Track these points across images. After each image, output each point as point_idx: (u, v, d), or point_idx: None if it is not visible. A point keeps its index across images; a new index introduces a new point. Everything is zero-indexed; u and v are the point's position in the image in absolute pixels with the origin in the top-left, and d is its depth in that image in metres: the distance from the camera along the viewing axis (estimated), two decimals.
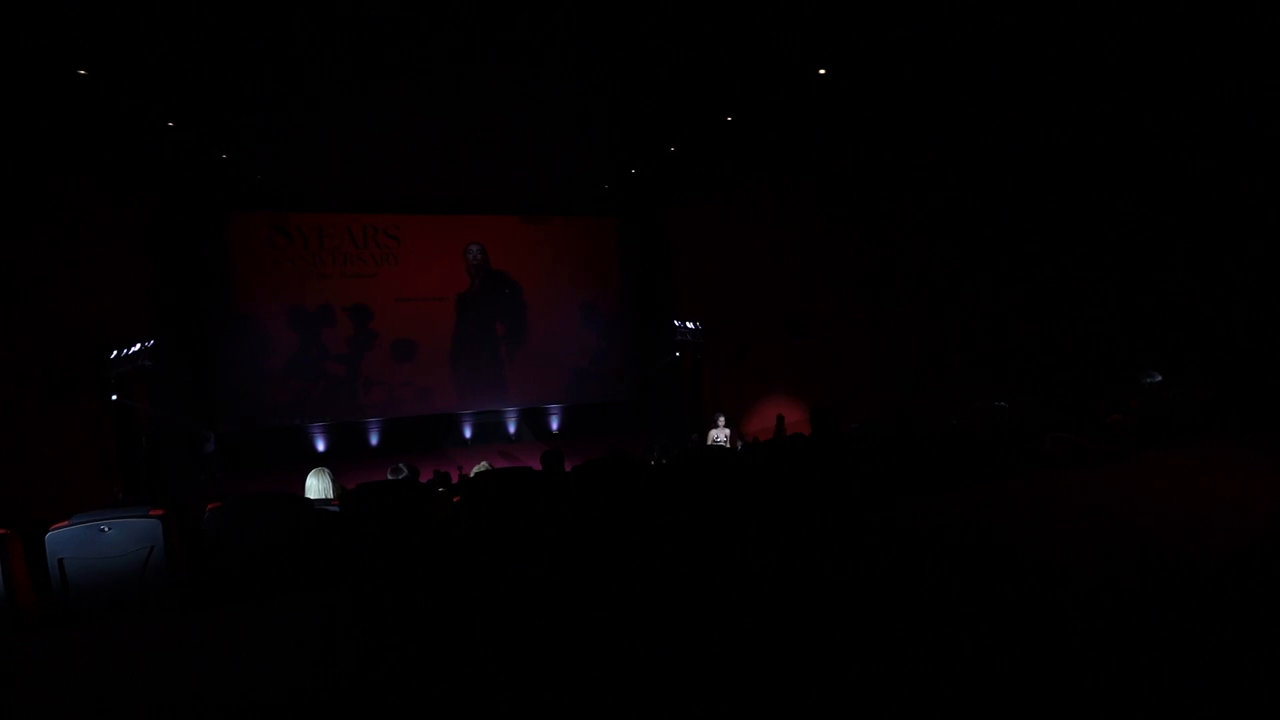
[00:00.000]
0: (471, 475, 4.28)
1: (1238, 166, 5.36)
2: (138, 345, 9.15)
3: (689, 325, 12.12)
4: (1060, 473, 4.34)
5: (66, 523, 3.01)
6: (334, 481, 4.14)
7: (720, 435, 8.74)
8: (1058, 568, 2.93)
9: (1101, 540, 3.22)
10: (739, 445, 8.49)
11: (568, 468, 3.88)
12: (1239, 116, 5.23)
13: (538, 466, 4.78)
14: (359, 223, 12.19)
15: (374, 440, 12.50)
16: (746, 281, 11.08)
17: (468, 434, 13.11)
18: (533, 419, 13.60)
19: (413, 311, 12.61)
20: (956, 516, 3.74)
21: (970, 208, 7.63)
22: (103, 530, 3.00)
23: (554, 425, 13.79)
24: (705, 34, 5.32)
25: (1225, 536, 3.11)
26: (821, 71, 6.12)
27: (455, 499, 3.96)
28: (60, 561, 2.93)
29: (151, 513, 3.06)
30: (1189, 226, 5.77)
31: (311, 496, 4.05)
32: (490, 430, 13.26)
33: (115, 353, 8.61)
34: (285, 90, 6.23)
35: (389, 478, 5.34)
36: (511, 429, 13.45)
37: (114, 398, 8.63)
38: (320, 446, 12.15)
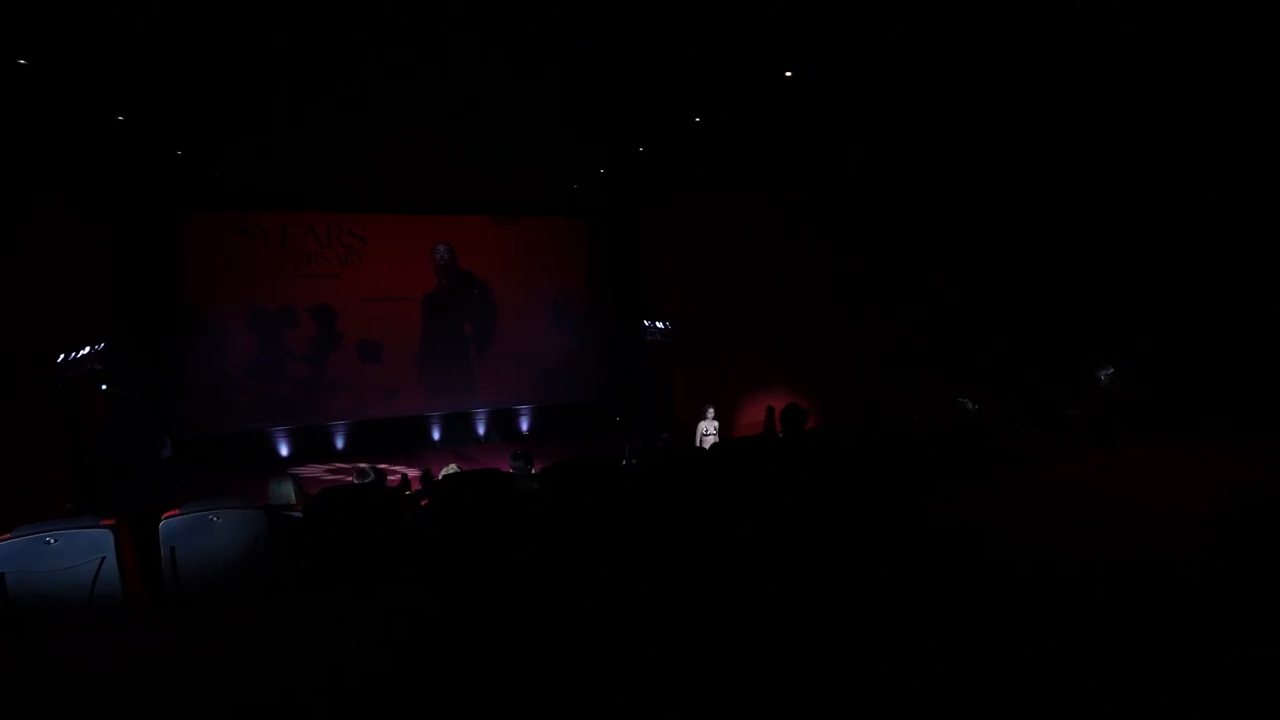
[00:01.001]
0: (440, 477, 4.22)
1: (1190, 175, 5.58)
2: (87, 349, 8.80)
3: (658, 325, 12.15)
4: (1023, 470, 4.46)
5: (9, 535, 2.89)
6: (296, 488, 4.04)
7: (709, 427, 8.60)
8: (1026, 563, 3.01)
9: (1067, 534, 3.32)
10: (707, 442, 8.47)
11: (537, 469, 3.85)
12: (1188, 125, 5.44)
13: (507, 468, 4.72)
14: (322, 222, 11.92)
15: (339, 443, 12.24)
16: (723, 282, 11.14)
17: (436, 436, 12.93)
18: (502, 420, 13.47)
19: (379, 312, 12.38)
20: (928, 514, 3.82)
21: (929, 211, 7.81)
22: (48, 542, 2.87)
23: (524, 426, 13.68)
24: (672, 33, 5.34)
25: (1178, 524, 3.23)
26: (788, 74, 6.19)
27: (423, 502, 3.90)
28: (1, 576, 2.81)
29: (102, 523, 2.94)
30: (1142, 229, 5.98)
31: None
32: (459, 432, 13.10)
33: (62, 356, 8.26)
34: (244, 85, 6.06)
35: (354, 481, 5.24)
36: (481, 430, 13.31)
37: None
38: (284, 450, 11.85)
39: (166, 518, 3.09)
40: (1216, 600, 2.47)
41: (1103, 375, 5.49)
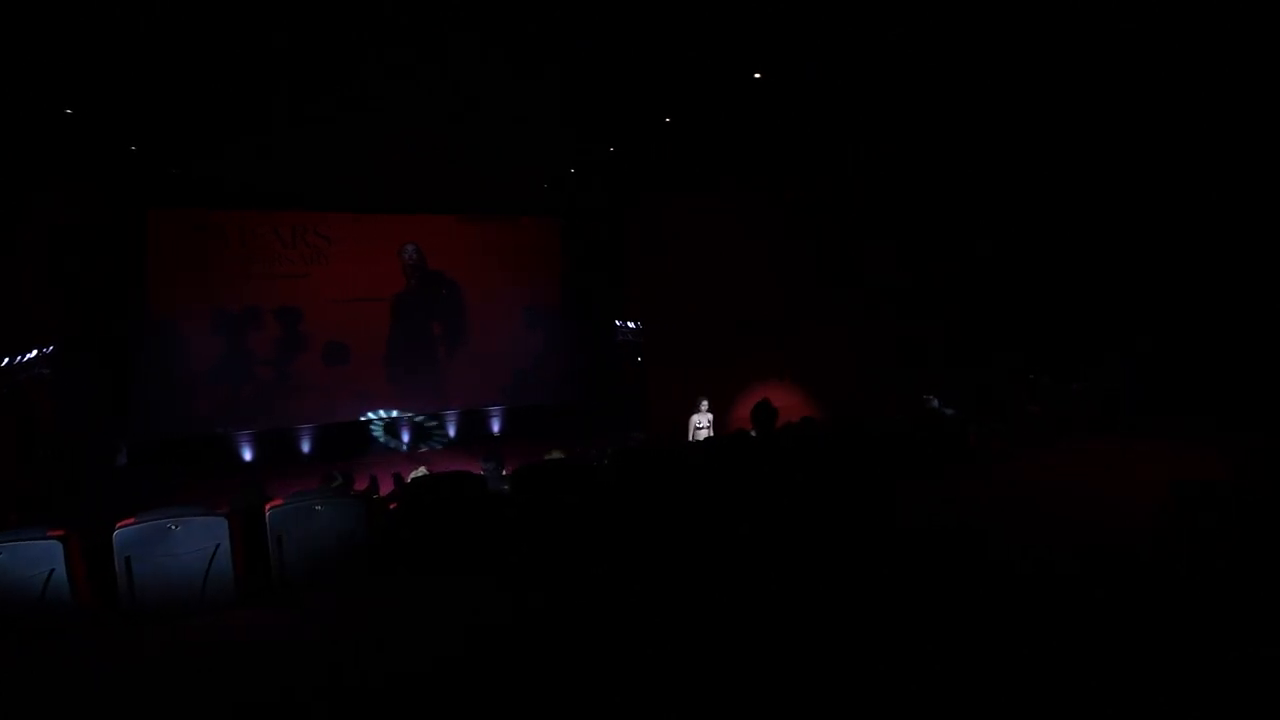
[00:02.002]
0: (409, 481, 4.15)
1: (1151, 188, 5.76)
2: (34, 352, 8.45)
3: (630, 325, 12.14)
4: (988, 464, 4.56)
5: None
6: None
7: (703, 420, 8.28)
8: (998, 552, 3.08)
9: (1034, 525, 3.41)
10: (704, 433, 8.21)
11: (508, 471, 3.81)
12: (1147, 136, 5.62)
13: (478, 470, 4.66)
14: (287, 221, 11.63)
15: (306, 447, 11.96)
16: (703, 282, 11.14)
17: (405, 438, 12.72)
18: (473, 422, 13.32)
19: (346, 313, 12.12)
20: (893, 506, 3.89)
21: (906, 216, 7.96)
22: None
23: (495, 428, 13.55)
24: (641, 34, 5.33)
25: (1135, 512, 3.34)
26: (756, 76, 6.23)
27: (392, 505, 3.83)
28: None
29: (50, 534, 2.83)
30: (1132, 233, 6.16)
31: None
32: (429, 434, 12.91)
33: (6, 360, 7.92)
34: (200, 77, 5.87)
35: (323, 486, 5.12)
36: (451, 432, 13.14)
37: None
38: (247, 455, 11.54)
39: (120, 527, 2.98)
40: (1164, 588, 2.56)
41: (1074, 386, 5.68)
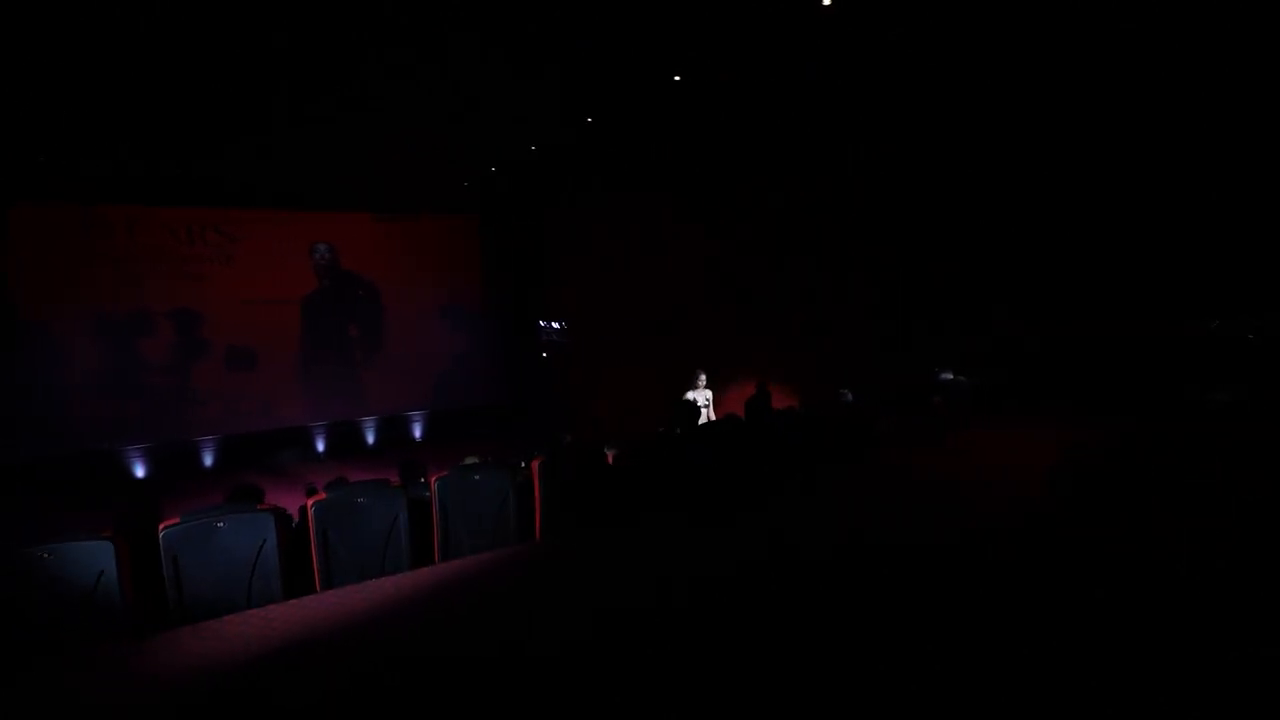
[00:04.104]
0: (322, 492, 3.97)
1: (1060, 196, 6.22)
2: None
3: (554, 325, 12.07)
4: (895, 451, 4.87)
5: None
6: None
7: (701, 398, 7.30)
8: (905, 530, 3.30)
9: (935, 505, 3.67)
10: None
11: (433, 477, 3.74)
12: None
13: (396, 479, 4.55)
14: (182, 217, 10.81)
15: (208, 460, 11.17)
16: (627, 281, 11.20)
17: (320, 448, 12.12)
18: (393, 428, 12.86)
19: (251, 316, 11.40)
20: (803, 488, 4.10)
21: (814, 224, 8.32)
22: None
23: (417, 433, 13.14)
24: (559, 32, 5.33)
25: (1026, 492, 3.66)
26: (676, 78, 6.35)
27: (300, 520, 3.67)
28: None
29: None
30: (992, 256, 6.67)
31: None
32: (346, 442, 12.35)
33: None
34: (72, 48, 5.33)
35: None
36: (370, 439, 12.63)
37: None
38: (139, 472, 10.65)
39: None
40: (1059, 551, 2.84)
41: (947, 378, 6.13)
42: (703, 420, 6.01)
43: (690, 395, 7.45)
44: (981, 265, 6.67)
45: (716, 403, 7.91)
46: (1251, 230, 5.21)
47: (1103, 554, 2.77)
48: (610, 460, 4.25)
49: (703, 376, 7.50)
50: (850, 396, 6.10)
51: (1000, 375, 6.17)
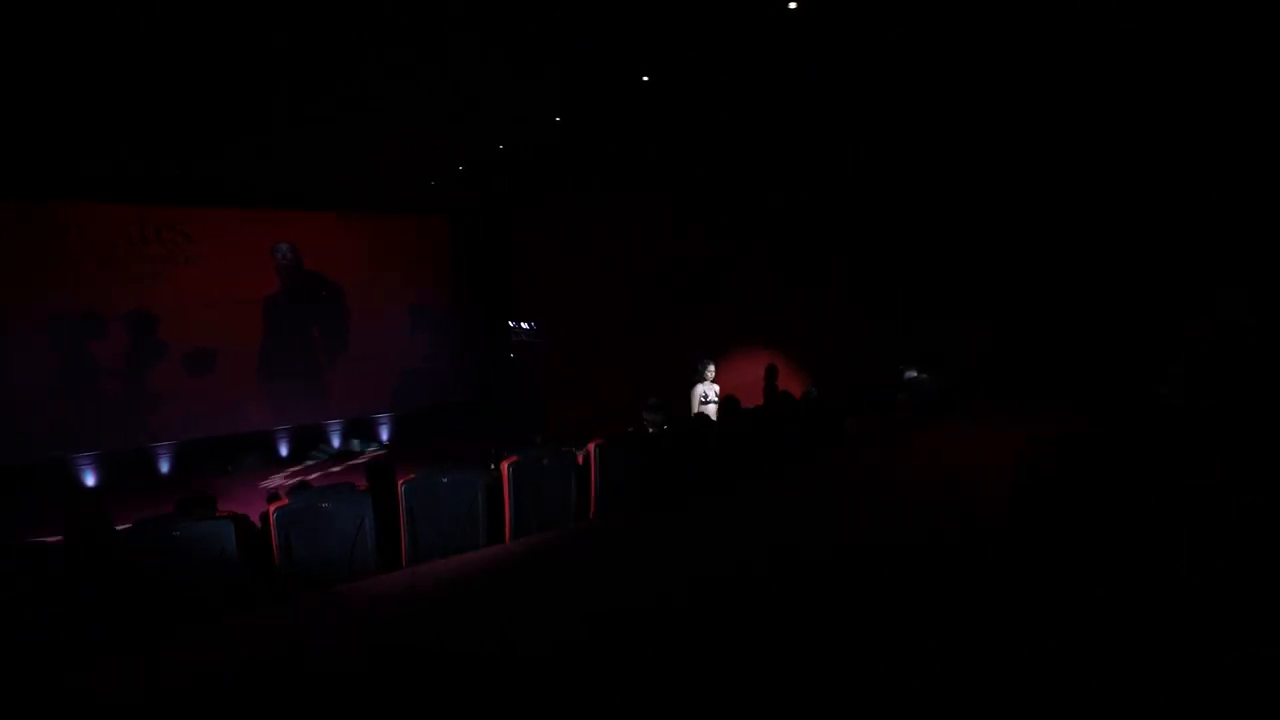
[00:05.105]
0: (284, 496, 3.89)
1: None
2: None
3: (524, 325, 11.99)
4: (860, 450, 4.95)
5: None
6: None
7: (709, 391, 6.42)
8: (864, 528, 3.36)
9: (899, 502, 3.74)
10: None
11: (399, 481, 3.69)
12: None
13: (363, 484, 4.46)
14: (135, 216, 10.44)
15: (165, 467, 10.82)
16: (598, 281, 11.14)
17: (284, 452, 11.84)
18: (360, 430, 12.63)
19: (210, 317, 11.07)
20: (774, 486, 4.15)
21: (780, 225, 8.41)
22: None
23: (384, 435, 12.93)
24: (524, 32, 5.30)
25: (988, 490, 3.75)
26: (645, 78, 6.36)
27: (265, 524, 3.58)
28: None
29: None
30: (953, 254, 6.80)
31: None
32: (310, 446, 12.07)
33: None
34: (18, 39, 5.10)
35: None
36: (336, 443, 12.38)
37: None
38: (90, 480, 10.25)
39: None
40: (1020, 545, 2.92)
41: (910, 375, 6.25)
42: (712, 414, 5.94)
43: (699, 388, 6.52)
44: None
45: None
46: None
47: (1088, 554, 2.81)
48: (580, 461, 4.24)
49: (711, 368, 6.57)
50: (815, 394, 6.19)
51: (965, 374, 6.32)
